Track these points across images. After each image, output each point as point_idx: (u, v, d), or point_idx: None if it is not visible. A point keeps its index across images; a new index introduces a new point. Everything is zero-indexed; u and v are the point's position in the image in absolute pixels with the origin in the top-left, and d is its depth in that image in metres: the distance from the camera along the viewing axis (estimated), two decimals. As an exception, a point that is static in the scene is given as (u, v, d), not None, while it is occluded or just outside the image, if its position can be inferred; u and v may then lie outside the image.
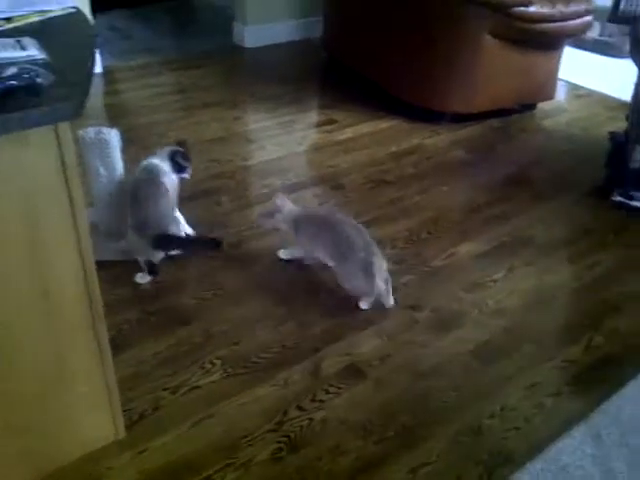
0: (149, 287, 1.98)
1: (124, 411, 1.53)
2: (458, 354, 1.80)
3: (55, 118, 1.02)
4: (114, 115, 3.25)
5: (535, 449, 1.52)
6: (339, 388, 1.66)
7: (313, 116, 3.29)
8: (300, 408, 1.60)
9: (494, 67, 3.03)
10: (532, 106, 3.43)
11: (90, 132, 1.94)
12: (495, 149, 3.04)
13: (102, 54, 3.70)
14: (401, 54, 3.18)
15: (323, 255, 1.97)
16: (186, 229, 2.15)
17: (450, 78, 3.07)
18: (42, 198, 1.09)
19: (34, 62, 1.13)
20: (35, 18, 1.39)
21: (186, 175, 2.10)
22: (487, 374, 1.74)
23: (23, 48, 1.16)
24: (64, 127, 1.05)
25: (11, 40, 1.20)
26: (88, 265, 1.20)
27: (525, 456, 1.50)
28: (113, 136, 1.96)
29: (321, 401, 1.62)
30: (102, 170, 1.99)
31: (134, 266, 2.04)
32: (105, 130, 1.96)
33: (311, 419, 1.57)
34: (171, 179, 2.03)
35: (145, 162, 2.04)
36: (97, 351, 1.31)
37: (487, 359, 1.79)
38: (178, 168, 2.06)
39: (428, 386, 1.69)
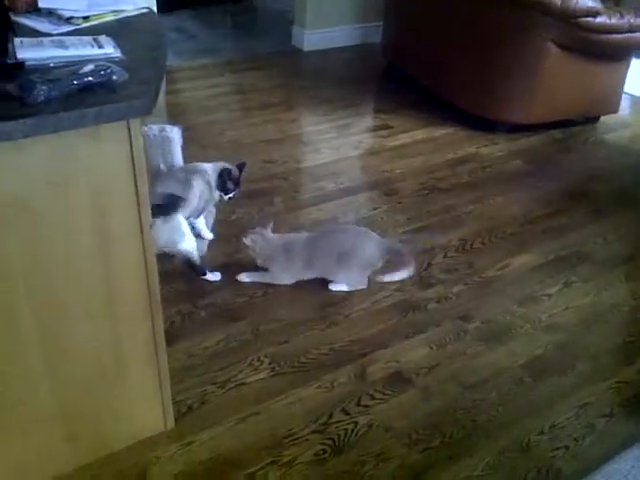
0: (201, 282, 2.02)
1: (174, 403, 1.57)
2: (508, 368, 1.77)
3: (128, 114, 1.05)
4: (175, 113, 3.33)
5: (583, 471, 1.47)
6: (385, 394, 1.66)
7: (369, 121, 3.29)
8: (345, 412, 1.60)
9: (556, 77, 2.96)
10: (595, 119, 3.34)
11: (154, 129, 2.00)
12: (554, 161, 2.97)
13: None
14: (460, 61, 3.15)
15: (322, 271, 2.00)
16: (206, 235, 2.19)
17: (509, 87, 3.02)
18: (111, 190, 1.13)
19: (110, 60, 1.18)
20: (110, 17, 1.45)
21: (227, 197, 2.11)
22: (537, 390, 1.70)
23: (100, 46, 1.21)
24: (136, 123, 1.09)
25: (89, 38, 1.26)
26: (149, 257, 1.23)
27: (572, 477, 1.47)
28: (175, 133, 2.02)
29: (366, 406, 1.62)
30: (162, 166, 2.04)
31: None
32: (168, 128, 2.02)
33: (356, 423, 1.57)
34: (206, 191, 2.04)
35: (197, 164, 2.07)
36: (152, 341, 1.34)
37: (538, 375, 1.75)
38: (222, 187, 2.07)
39: (476, 398, 1.66)
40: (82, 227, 1.13)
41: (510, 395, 1.68)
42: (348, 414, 1.59)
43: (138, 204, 1.16)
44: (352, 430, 1.55)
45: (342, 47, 4.19)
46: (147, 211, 1.19)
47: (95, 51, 1.19)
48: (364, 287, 2.01)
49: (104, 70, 1.08)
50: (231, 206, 2.43)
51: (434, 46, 3.31)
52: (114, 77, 1.08)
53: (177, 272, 2.02)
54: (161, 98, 3.47)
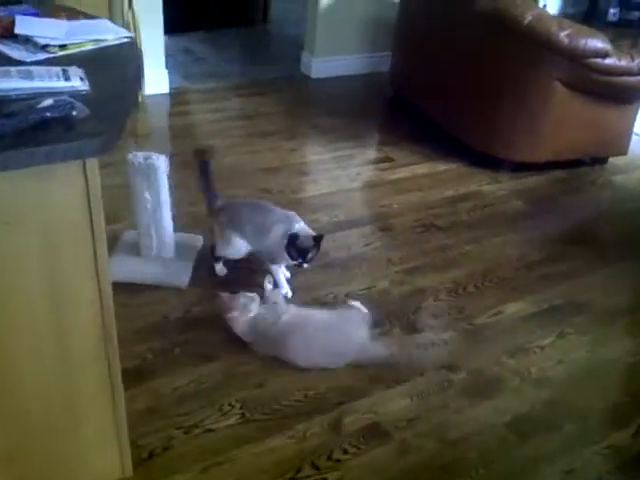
0: (180, 317, 1.95)
1: (135, 447, 1.50)
2: (493, 425, 1.68)
3: (83, 153, 1.00)
4: (174, 136, 3.31)
5: None
6: (359, 448, 1.57)
7: (370, 152, 3.24)
8: (315, 466, 1.52)
9: (563, 117, 2.90)
10: (603, 160, 3.26)
11: (139, 157, 1.96)
12: (558, 202, 2.90)
13: (172, 75, 3.79)
14: (466, 96, 3.10)
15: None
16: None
17: (515, 125, 2.95)
18: (64, 231, 1.08)
19: (76, 93, 1.13)
20: (89, 46, 1.41)
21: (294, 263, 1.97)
22: (522, 451, 1.61)
23: (67, 78, 1.16)
24: (92, 162, 1.03)
25: (58, 69, 1.21)
26: (106, 300, 1.18)
27: None
28: (162, 162, 1.97)
29: (338, 460, 1.53)
30: (147, 195, 1.99)
31: (167, 292, 2.03)
32: (154, 156, 1.97)
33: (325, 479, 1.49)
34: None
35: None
36: (109, 387, 1.28)
37: (524, 434, 1.66)
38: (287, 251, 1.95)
39: (456, 457, 1.58)
40: (32, 267, 1.08)
41: (492, 455, 1.59)
42: (318, 469, 1.51)
43: (94, 245, 1.11)
44: (320, 487, 1.47)
45: (350, 75, 4.15)
46: (104, 251, 1.13)
47: (61, 83, 1.14)
48: None
49: (63, 105, 1.03)
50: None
51: (441, 79, 3.26)
52: (74, 113, 1.03)
53: (151, 305, 1.96)
54: (163, 120, 3.46)
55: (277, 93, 3.89)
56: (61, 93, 1.09)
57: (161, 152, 2.57)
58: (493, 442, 1.63)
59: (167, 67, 3.68)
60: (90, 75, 1.21)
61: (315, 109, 3.71)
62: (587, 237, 2.63)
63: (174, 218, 2.19)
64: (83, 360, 1.22)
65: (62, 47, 1.36)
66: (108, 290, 1.17)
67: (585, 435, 1.67)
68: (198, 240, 2.29)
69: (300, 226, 1.99)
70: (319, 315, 1.87)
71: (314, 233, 1.98)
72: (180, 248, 2.20)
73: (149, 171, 1.96)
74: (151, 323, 1.92)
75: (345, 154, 3.14)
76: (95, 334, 1.20)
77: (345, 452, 1.56)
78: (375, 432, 1.62)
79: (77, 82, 1.16)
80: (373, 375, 1.80)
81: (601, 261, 2.45)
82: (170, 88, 3.69)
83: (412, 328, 1.99)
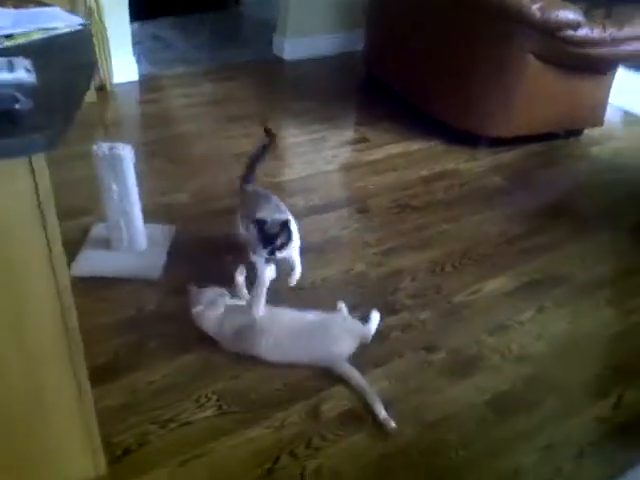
0: (154, 309, 1.92)
1: (110, 444, 1.48)
2: (472, 404, 1.67)
3: (27, 150, 0.95)
4: (144, 125, 3.24)
5: (547, 521, 1.38)
6: (337, 435, 1.55)
7: (345, 133, 3.19)
8: (293, 455, 1.50)
9: (537, 90, 2.87)
10: (578, 132, 3.24)
11: (103, 147, 1.90)
12: (534, 177, 2.88)
13: (141, 62, 3.70)
14: (440, 73, 3.06)
15: None
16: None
17: (490, 100, 2.92)
18: (15, 231, 1.03)
19: (21, 85, 1.07)
20: (38, 35, 1.34)
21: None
22: (502, 429, 1.60)
23: (11, 70, 1.10)
24: (39, 159, 0.99)
25: (4, 60, 1.15)
26: (65, 299, 1.13)
27: (535, 529, 1.37)
28: (127, 152, 1.91)
29: (316, 448, 1.52)
30: (114, 186, 1.94)
31: (140, 285, 1.99)
32: (120, 146, 1.91)
33: (304, 468, 1.47)
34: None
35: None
36: (75, 386, 1.24)
37: (504, 412, 1.65)
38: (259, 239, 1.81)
39: (435, 439, 1.56)
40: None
41: (471, 436, 1.58)
42: (296, 458, 1.49)
43: (48, 244, 1.06)
44: (299, 475, 1.45)
45: (324, 56, 4.08)
46: (59, 250, 1.08)
47: (4, 75, 1.09)
48: None
49: (5, 98, 0.98)
50: (193, 225, 2.34)
51: (414, 57, 3.22)
52: (17, 106, 0.98)
53: (124, 299, 1.92)
54: (132, 108, 3.39)
55: (249, 77, 3.81)
56: (4, 86, 1.04)
57: (132, 141, 2.52)
58: (472, 422, 1.62)
59: (135, 54, 3.59)
60: (38, 66, 1.15)
61: (289, 91, 3.65)
62: (565, 210, 2.62)
63: (144, 209, 2.14)
64: (46, 361, 1.19)
65: (8, 37, 1.29)
66: (67, 289, 1.13)
67: (565, 409, 1.67)
68: (170, 231, 2.24)
69: (278, 215, 1.90)
70: (294, 319, 1.79)
71: (284, 218, 1.87)
72: (152, 239, 2.16)
73: (114, 162, 1.90)
74: (124, 317, 1.88)
75: (320, 136, 3.09)
76: (57, 334, 1.16)
77: (323, 439, 1.54)
78: (353, 418, 1.60)
79: (22, 74, 1.10)
80: (351, 359, 1.77)
81: (580, 233, 2.44)
82: (139, 75, 3.61)
83: (390, 310, 1.97)
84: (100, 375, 1.67)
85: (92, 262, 2.04)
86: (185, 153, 2.86)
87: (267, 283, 1.77)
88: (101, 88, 3.38)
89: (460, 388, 1.72)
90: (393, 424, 1.55)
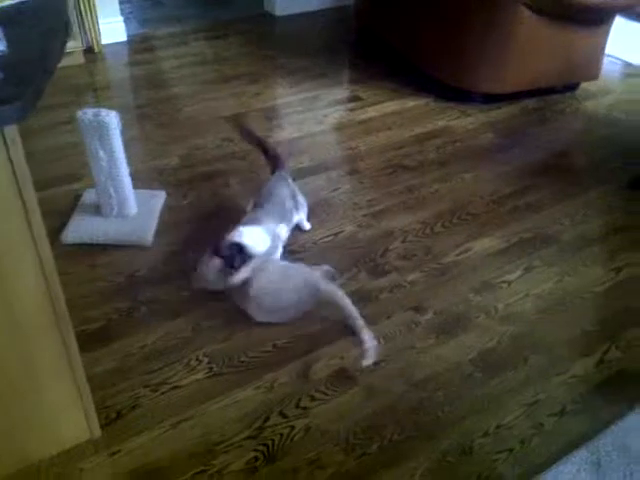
0: (145, 275, 1.94)
1: (103, 408, 1.51)
2: (458, 363, 1.70)
3: (-3, 121, 0.95)
4: (133, 87, 3.20)
5: (527, 475, 1.42)
6: (326, 395, 1.59)
7: (338, 92, 3.15)
8: (283, 414, 1.53)
9: (531, 43, 2.81)
10: (574, 86, 3.20)
11: (88, 114, 1.89)
12: (528, 133, 2.85)
13: (129, 22, 3.64)
14: (432, 27, 3.00)
15: None
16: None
17: (482, 54, 2.87)
18: (-8, 205, 1.03)
19: (-10, 55, 1.06)
20: (8, 2, 1.32)
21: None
22: (487, 386, 1.63)
23: (-21, 39, 1.09)
24: (11, 130, 0.98)
25: (-28, 29, 1.13)
26: (48, 267, 1.15)
27: (515, 482, 1.41)
28: (112, 118, 1.90)
29: (305, 408, 1.55)
30: (101, 152, 1.94)
31: (131, 251, 2.01)
32: (104, 112, 1.90)
33: (292, 427, 1.50)
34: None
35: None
36: (63, 351, 1.26)
37: (489, 370, 1.68)
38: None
39: (422, 397, 1.60)
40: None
41: (457, 393, 1.61)
42: (285, 417, 1.53)
43: (26, 214, 1.07)
44: (288, 435, 1.49)
45: (315, 11, 4.01)
46: (38, 220, 1.09)
47: (-27, 45, 1.08)
48: None
49: (-27, 70, 0.97)
50: (183, 189, 2.33)
51: (407, 10, 3.15)
52: (-16, 77, 0.97)
53: (115, 265, 1.94)
54: (120, 71, 3.34)
55: (240, 35, 3.75)
56: (-28, 56, 1.03)
57: (121, 104, 2.51)
58: (458, 380, 1.65)
59: (123, 14, 3.52)
60: (9, 34, 1.14)
61: (280, 49, 3.59)
62: (559, 167, 2.60)
63: (135, 174, 2.14)
64: (33, 329, 1.20)
65: (-21, 4, 1.27)
66: (49, 258, 1.14)
67: (550, 367, 1.70)
68: (161, 196, 2.24)
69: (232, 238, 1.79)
70: (276, 263, 1.84)
71: (236, 241, 1.76)
72: (143, 205, 2.16)
73: (100, 128, 1.89)
74: (116, 283, 1.90)
75: (312, 95, 3.06)
76: (42, 303, 1.18)
77: (312, 399, 1.58)
78: (342, 378, 1.63)
79: (-8, 42, 1.09)
80: (340, 321, 1.80)
81: (572, 191, 2.43)
82: (127, 36, 3.55)
83: (379, 271, 1.99)
84: (93, 341, 1.71)
85: (83, 229, 2.05)
86: (175, 116, 2.83)
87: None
88: (89, 50, 3.33)
89: (447, 347, 1.74)
90: (372, 358, 1.62)
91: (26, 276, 1.13)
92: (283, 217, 1.95)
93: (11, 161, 1.01)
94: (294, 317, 1.77)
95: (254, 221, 1.86)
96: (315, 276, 1.79)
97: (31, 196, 1.06)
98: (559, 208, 2.34)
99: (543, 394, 1.62)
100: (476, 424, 1.53)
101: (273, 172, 2.10)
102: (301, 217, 2.10)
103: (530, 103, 3.05)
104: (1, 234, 1.07)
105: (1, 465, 1.35)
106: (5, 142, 0.98)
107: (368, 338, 1.65)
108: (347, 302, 1.72)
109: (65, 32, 1.26)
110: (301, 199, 2.09)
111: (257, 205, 1.95)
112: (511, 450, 1.48)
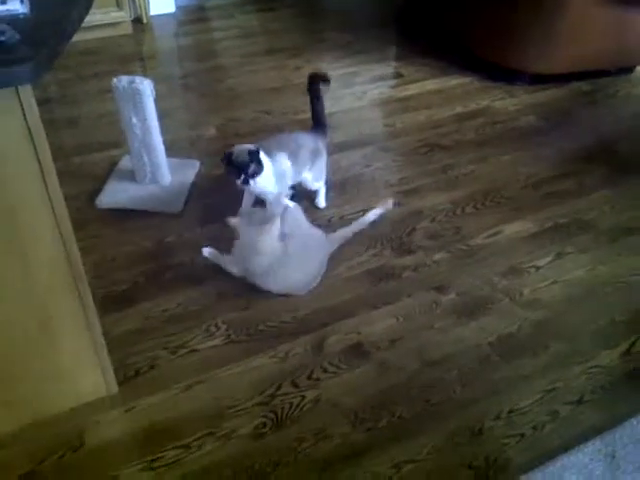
0: (173, 241, 1.98)
1: (122, 366, 1.57)
2: (476, 345, 1.67)
3: (10, 81, 0.98)
4: (178, 58, 3.24)
5: (537, 461, 1.40)
6: (339, 368, 1.60)
7: (379, 68, 3.10)
8: (294, 384, 1.55)
9: (583, 22, 2.69)
10: (629, 69, 3.06)
11: (123, 81, 1.92)
12: (574, 116, 2.75)
13: (178, -7, 3.67)
14: (482, 2, 2.91)
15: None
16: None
17: (531, 33, 2.77)
18: (9, 162, 1.07)
19: (13, 16, 1.10)
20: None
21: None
22: (503, 370, 1.61)
23: (3, 2, 1.12)
24: (26, 90, 1.01)
25: (-1, -9, 1.17)
26: (64, 227, 1.18)
27: (523, 468, 1.39)
28: (146, 86, 1.93)
29: (317, 379, 1.57)
30: (135, 120, 1.98)
31: (161, 218, 2.05)
32: (138, 79, 1.93)
33: (303, 397, 1.52)
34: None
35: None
36: (81, 310, 1.31)
37: (507, 354, 1.65)
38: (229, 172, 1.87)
39: (435, 377, 1.59)
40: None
41: (472, 375, 1.59)
42: (297, 387, 1.55)
43: (43, 174, 1.10)
44: (297, 404, 1.51)
45: (365, -15, 3.94)
46: (54, 182, 1.12)
47: (-3, 7, 1.11)
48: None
49: (-9, 31, 1.01)
50: (217, 160, 2.35)
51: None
52: (2, 38, 1.00)
53: (145, 230, 1.99)
54: (166, 41, 3.38)
55: (287, 8, 3.73)
56: (-3, 17, 1.06)
57: (166, 74, 2.53)
58: (475, 362, 1.63)
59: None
60: (33, -1, 1.17)
61: (325, 24, 3.56)
62: (602, 154, 2.50)
63: (171, 143, 2.18)
64: (50, 287, 1.25)
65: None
66: (65, 219, 1.18)
67: (572, 355, 1.65)
68: (194, 165, 2.28)
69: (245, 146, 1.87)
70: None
71: (251, 147, 1.84)
72: (176, 173, 2.20)
73: (134, 95, 1.93)
74: (144, 248, 1.95)
75: (352, 71, 3.03)
76: (58, 262, 1.22)
77: (325, 371, 1.59)
78: (356, 352, 1.64)
79: (15, 5, 1.12)
80: (361, 296, 1.80)
81: (613, 178, 2.34)
82: (176, 7, 3.59)
83: (405, 250, 1.97)
84: (118, 301, 1.77)
85: (117, 194, 2.11)
86: (216, 87, 2.86)
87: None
88: (137, 20, 3.39)
89: (466, 329, 1.72)
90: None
91: (43, 236, 1.18)
92: (294, 158, 1.94)
93: (27, 121, 1.04)
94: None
95: (265, 148, 1.89)
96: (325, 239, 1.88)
97: (47, 157, 1.09)
98: (600, 195, 2.25)
99: (561, 382, 1.58)
100: (489, 407, 1.52)
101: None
102: (312, 183, 2.07)
103: (580, 85, 2.94)
104: (17, 195, 1.11)
105: (22, 415, 1.41)
106: (20, 102, 1.01)
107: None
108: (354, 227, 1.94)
109: (88, 0, 1.28)
110: (321, 170, 2.06)
111: (273, 140, 1.98)
112: (522, 435, 1.45)
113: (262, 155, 1.84)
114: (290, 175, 1.95)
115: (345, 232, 1.96)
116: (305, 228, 1.88)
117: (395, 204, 2.11)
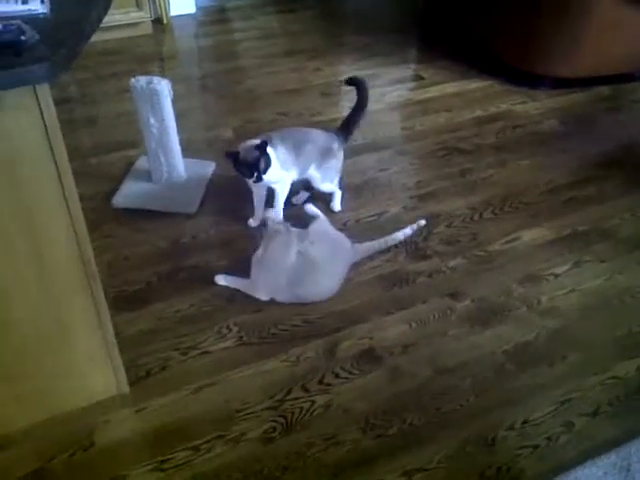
0: (187, 242, 1.98)
1: (134, 366, 1.57)
2: (491, 353, 1.65)
3: (29, 80, 0.98)
4: (197, 58, 3.25)
5: (550, 473, 1.37)
6: (351, 373, 1.58)
7: (399, 71, 3.08)
8: (305, 389, 1.54)
9: (607, 25, 2.65)
10: (653, 74, 3.00)
11: (141, 81, 1.93)
12: (596, 122, 2.70)
13: (199, -7, 3.69)
14: (504, 6, 2.87)
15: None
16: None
17: (554, 35, 2.73)
18: (26, 162, 1.07)
19: (33, 16, 1.11)
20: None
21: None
22: (518, 380, 1.58)
23: (25, 2, 1.13)
24: (44, 89, 1.02)
25: (20, -9, 1.18)
26: (79, 227, 1.19)
27: (536, 479, 1.36)
28: (164, 86, 1.93)
29: (328, 384, 1.55)
30: (152, 120, 1.98)
31: (177, 218, 2.05)
32: (156, 80, 1.94)
33: (313, 402, 1.51)
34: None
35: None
36: (94, 310, 1.31)
37: (523, 363, 1.62)
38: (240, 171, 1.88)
39: (449, 384, 1.57)
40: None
41: (486, 383, 1.57)
42: (307, 391, 1.54)
43: (59, 174, 1.11)
44: (308, 409, 1.50)
45: (386, -13, 3.93)
46: (70, 181, 1.13)
47: (18, 7, 1.11)
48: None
49: (11, 30, 1.01)
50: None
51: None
52: (22, 38, 1.01)
53: (160, 231, 1.99)
54: (186, 42, 3.40)
55: (308, 10, 3.73)
56: (15, 17, 1.07)
57: (185, 75, 2.54)
58: (489, 370, 1.60)
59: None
60: (53, -1, 1.18)
61: (345, 26, 3.56)
62: (624, 160, 2.45)
63: (188, 143, 2.18)
64: (64, 286, 1.26)
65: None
66: (80, 219, 1.18)
67: (588, 365, 1.62)
68: (210, 166, 2.28)
69: (250, 142, 1.87)
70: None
71: (257, 142, 1.84)
72: (192, 174, 2.20)
73: (152, 96, 1.93)
74: (159, 248, 1.95)
75: (372, 72, 3.01)
76: (73, 262, 1.22)
77: (337, 376, 1.57)
78: (368, 358, 1.62)
79: (36, 5, 1.12)
80: (374, 301, 1.79)
81: (635, 185, 2.29)
82: (197, 8, 3.60)
83: (420, 255, 1.95)
84: (131, 301, 1.77)
85: (133, 194, 2.12)
86: (235, 88, 2.86)
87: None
88: (158, 20, 3.41)
89: (481, 336, 1.69)
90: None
91: (58, 235, 1.18)
92: (297, 150, 1.93)
93: (44, 120, 1.04)
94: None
95: (265, 136, 1.90)
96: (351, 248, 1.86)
97: (63, 157, 1.10)
98: (621, 202, 2.21)
99: (577, 393, 1.55)
100: (502, 416, 1.49)
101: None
102: (319, 183, 2.05)
103: (603, 90, 2.89)
104: (33, 194, 1.12)
105: (33, 412, 1.42)
106: (38, 101, 1.02)
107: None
108: (382, 243, 1.91)
109: (106, 1, 1.28)
110: (332, 171, 2.04)
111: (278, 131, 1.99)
112: (536, 446, 1.43)
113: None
114: (290, 163, 1.93)
115: (372, 246, 1.92)
116: (332, 236, 1.88)
117: (420, 219, 2.04)
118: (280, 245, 1.71)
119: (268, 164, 1.84)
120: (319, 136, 2.01)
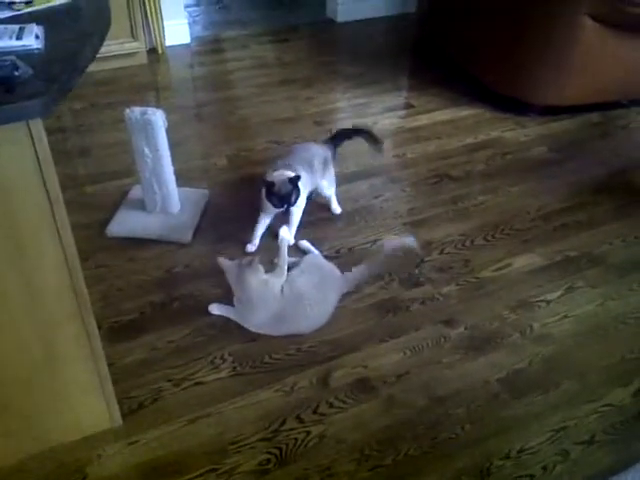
0: (181, 271, 1.98)
1: (126, 398, 1.56)
2: (485, 381, 1.65)
3: (22, 115, 0.99)
4: (192, 88, 3.29)
5: (546, 504, 1.36)
6: (345, 403, 1.58)
7: (391, 99, 3.12)
8: (299, 419, 1.53)
9: (594, 55, 2.70)
10: (641, 101, 3.05)
11: (136, 112, 1.95)
12: (586, 148, 2.74)
13: (194, 25, 3.74)
14: (491, 36, 2.93)
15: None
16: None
17: (542, 65, 2.78)
18: (17, 193, 1.08)
19: (28, 52, 1.12)
20: (57, 1, 1.38)
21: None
22: (512, 408, 1.58)
23: (19, 37, 1.15)
24: (37, 124, 1.03)
25: (15, 27, 1.20)
26: (71, 257, 1.19)
27: (532, 510, 1.35)
28: (158, 117, 1.95)
29: (322, 414, 1.54)
30: (146, 150, 2.00)
31: (171, 247, 2.06)
32: (150, 110, 1.96)
33: (308, 432, 1.50)
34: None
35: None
36: (86, 341, 1.31)
37: (517, 391, 1.62)
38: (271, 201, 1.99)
39: (443, 413, 1.56)
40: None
41: (480, 412, 1.56)
42: (302, 422, 1.53)
43: (51, 204, 1.11)
44: (302, 440, 1.48)
45: (377, 18, 4.00)
46: (63, 214, 1.13)
47: (12, 42, 1.13)
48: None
49: (5, 66, 1.03)
50: (227, 189, 2.38)
51: (467, 17, 3.09)
52: (16, 73, 1.02)
53: (154, 260, 2.00)
54: (180, 72, 3.43)
55: (300, 40, 3.79)
56: (10, 53, 1.09)
57: (179, 104, 2.56)
58: (484, 399, 1.60)
59: (190, 17, 3.63)
60: (49, 33, 1.20)
61: (338, 55, 3.61)
62: (613, 185, 2.48)
63: (182, 172, 2.20)
64: (56, 317, 1.25)
65: (27, 3, 1.34)
66: (72, 249, 1.18)
67: (583, 393, 1.62)
68: (204, 195, 2.29)
69: (285, 175, 1.98)
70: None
71: (291, 175, 1.97)
72: (186, 203, 2.21)
73: (146, 126, 1.95)
74: (152, 277, 1.95)
75: (364, 101, 3.05)
76: (64, 292, 1.22)
77: (331, 406, 1.57)
78: (363, 387, 1.62)
79: (30, 41, 1.14)
80: (368, 329, 1.79)
81: (624, 211, 2.32)
82: (191, 38, 3.65)
83: (412, 282, 1.95)
84: (125, 332, 1.76)
85: (127, 223, 2.12)
86: (229, 117, 2.89)
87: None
88: (153, 50, 3.45)
89: (475, 364, 1.69)
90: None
91: (49, 266, 1.18)
92: (310, 167, 2.08)
93: (36, 153, 1.05)
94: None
95: (288, 165, 2.02)
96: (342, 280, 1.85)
97: (55, 188, 1.10)
98: (611, 228, 2.23)
99: (572, 421, 1.55)
100: (497, 446, 1.48)
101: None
102: (327, 190, 2.20)
103: (591, 117, 2.93)
104: (25, 225, 1.12)
105: (23, 447, 1.40)
106: (31, 135, 1.03)
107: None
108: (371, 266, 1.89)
109: (100, 36, 1.30)
110: (333, 177, 2.21)
111: (289, 153, 2.13)
112: (532, 476, 1.42)
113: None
114: (309, 183, 2.09)
115: (363, 269, 1.89)
116: (324, 267, 1.86)
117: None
118: (258, 284, 1.70)
119: (298, 196, 1.98)
120: (317, 148, 2.19)
